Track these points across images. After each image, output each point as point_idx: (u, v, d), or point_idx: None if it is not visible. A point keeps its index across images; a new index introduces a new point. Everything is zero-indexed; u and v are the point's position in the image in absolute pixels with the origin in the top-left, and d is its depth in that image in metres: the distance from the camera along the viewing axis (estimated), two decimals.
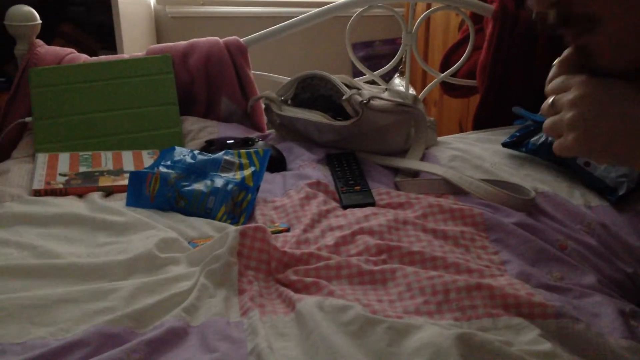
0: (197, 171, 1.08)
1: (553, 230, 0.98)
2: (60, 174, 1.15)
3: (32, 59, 1.36)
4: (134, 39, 1.94)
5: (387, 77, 2.15)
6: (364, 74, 1.60)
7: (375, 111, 1.19)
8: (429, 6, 1.66)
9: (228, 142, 1.25)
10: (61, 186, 1.11)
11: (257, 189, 1.07)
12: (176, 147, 1.16)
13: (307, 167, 1.18)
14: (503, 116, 1.50)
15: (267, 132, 1.43)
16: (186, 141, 1.34)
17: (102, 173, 1.17)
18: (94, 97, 1.31)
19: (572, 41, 0.62)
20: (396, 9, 1.57)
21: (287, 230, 0.98)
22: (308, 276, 0.84)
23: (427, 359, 0.64)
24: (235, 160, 1.11)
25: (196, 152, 1.14)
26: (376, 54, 2.49)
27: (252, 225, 0.88)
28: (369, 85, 1.38)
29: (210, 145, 1.26)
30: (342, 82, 1.26)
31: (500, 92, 1.54)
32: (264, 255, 0.87)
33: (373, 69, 1.61)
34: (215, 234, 0.96)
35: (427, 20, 2.23)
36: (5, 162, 1.23)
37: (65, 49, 1.44)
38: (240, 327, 0.74)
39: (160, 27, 2.28)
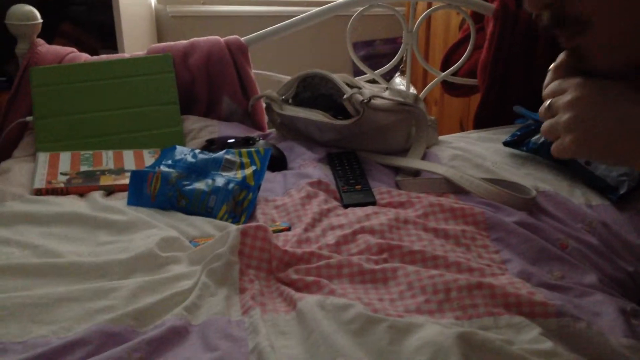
0: (198, 170, 1.08)
1: (554, 229, 0.98)
2: (61, 173, 1.15)
3: (33, 58, 1.36)
4: (135, 38, 1.94)
5: (388, 76, 2.15)
6: (364, 73, 1.60)
7: (376, 110, 1.19)
8: (429, 5, 1.66)
9: (229, 141, 1.25)
10: (62, 185, 1.11)
11: (258, 188, 1.07)
12: (177, 146, 1.16)
13: (308, 166, 1.18)
14: (504, 115, 1.50)
15: (268, 131, 1.44)
16: (187, 140, 1.34)
17: (103, 172, 1.17)
18: (94, 96, 1.31)
19: (565, 42, 0.62)
20: (397, 8, 1.57)
21: (288, 229, 0.98)
22: (309, 275, 0.84)
23: (428, 358, 0.64)
24: (236, 159, 1.11)
25: (197, 151, 1.14)
26: (377, 53, 2.49)
27: (253, 224, 0.88)
28: (369, 84, 1.38)
29: (211, 145, 1.26)
30: (343, 81, 1.26)
31: (501, 91, 1.54)
32: (265, 254, 0.87)
33: (374, 68, 1.61)
34: (217, 233, 0.96)
35: (428, 20, 2.23)
36: (6, 162, 1.23)
37: (66, 48, 1.44)
38: (242, 326, 0.74)
39: (161, 26, 2.28)
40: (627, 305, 0.82)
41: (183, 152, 1.13)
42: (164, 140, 1.29)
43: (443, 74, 1.61)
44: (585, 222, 1.02)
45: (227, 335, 0.72)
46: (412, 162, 1.19)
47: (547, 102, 0.62)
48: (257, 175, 1.08)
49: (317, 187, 1.09)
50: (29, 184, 1.12)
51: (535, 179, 1.15)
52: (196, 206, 1.04)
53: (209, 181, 1.06)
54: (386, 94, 1.25)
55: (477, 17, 1.61)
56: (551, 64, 0.65)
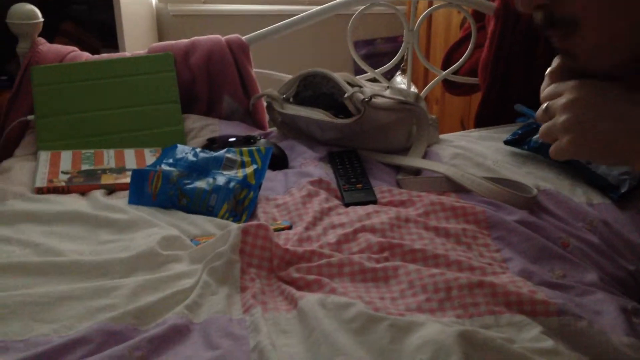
0: (199, 169, 1.08)
1: (555, 228, 0.98)
2: (62, 172, 1.15)
3: (34, 57, 1.36)
4: (136, 37, 1.94)
5: (389, 75, 2.15)
6: (365, 72, 1.60)
7: (377, 109, 1.19)
8: (430, 4, 1.66)
9: (230, 140, 1.25)
10: (63, 184, 1.11)
11: (259, 187, 1.07)
12: (178, 145, 1.16)
13: (309, 165, 1.18)
14: (505, 114, 1.50)
15: (269, 130, 1.44)
16: (188, 139, 1.34)
17: (104, 171, 1.17)
18: (96, 95, 1.31)
19: (558, 43, 0.63)
20: (398, 7, 1.57)
21: (289, 228, 0.99)
22: (310, 274, 0.84)
23: (429, 357, 0.64)
24: (237, 158, 1.11)
25: (198, 150, 1.14)
26: (378, 52, 2.49)
27: (254, 222, 0.89)
28: (370, 83, 1.38)
29: (212, 143, 1.26)
30: (344, 80, 1.26)
31: (502, 90, 1.54)
32: (266, 253, 0.87)
33: (375, 66, 1.61)
34: (218, 231, 0.96)
35: (429, 18, 2.23)
36: (7, 160, 1.23)
37: (67, 47, 1.44)
38: (243, 324, 0.74)
39: (162, 25, 2.28)
40: (628, 303, 0.82)
41: (184, 151, 1.13)
42: (165, 139, 1.29)
43: (444, 72, 1.61)
44: (587, 220, 1.02)
45: (228, 334, 0.72)
46: (413, 160, 1.19)
47: (544, 105, 0.63)
48: (258, 174, 1.08)
49: (318, 186, 1.09)
50: (30, 182, 1.12)
51: (536, 178, 1.15)
52: (197, 205, 1.04)
53: (210, 180, 1.06)
54: (387, 92, 1.25)
55: (478, 16, 1.61)
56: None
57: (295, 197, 1.06)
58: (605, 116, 0.57)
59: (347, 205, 1.06)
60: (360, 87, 1.25)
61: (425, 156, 1.23)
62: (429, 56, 2.29)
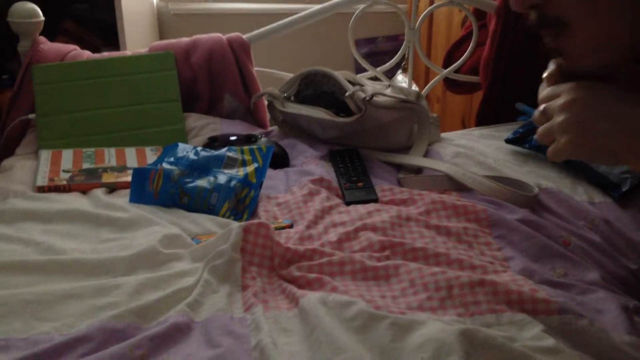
0: (200, 168, 1.08)
1: (556, 227, 0.98)
2: (63, 171, 1.15)
3: (35, 56, 1.36)
4: (137, 36, 1.94)
5: (390, 74, 2.15)
6: (366, 71, 1.60)
7: (378, 108, 1.19)
8: (432, 2, 1.66)
9: (231, 138, 1.25)
10: (65, 182, 1.11)
11: (260, 186, 1.07)
12: (179, 143, 1.16)
13: (310, 164, 1.18)
14: (506, 112, 1.50)
15: (270, 128, 1.43)
16: (189, 138, 1.34)
17: (105, 169, 1.17)
18: (96, 93, 1.32)
19: (551, 42, 0.63)
20: (399, 5, 1.56)
21: (290, 226, 0.99)
22: (311, 272, 0.84)
23: (430, 355, 0.64)
24: (238, 156, 1.11)
25: (199, 148, 1.14)
26: (379, 51, 2.49)
27: (255, 221, 0.89)
28: (371, 81, 1.38)
29: (213, 142, 1.26)
30: (345, 79, 1.26)
31: (503, 89, 1.53)
32: (267, 252, 0.87)
33: (376, 65, 1.61)
34: (219, 230, 0.96)
35: (430, 17, 2.22)
36: (8, 159, 1.24)
37: (68, 45, 1.44)
38: (244, 323, 0.74)
39: (163, 24, 2.28)
40: (630, 302, 0.82)
41: (185, 150, 1.13)
42: (166, 138, 1.29)
43: (445, 71, 1.61)
44: (588, 219, 1.02)
45: (230, 332, 0.72)
46: (414, 159, 1.19)
47: (542, 107, 0.63)
48: (259, 173, 1.08)
49: (319, 185, 1.09)
50: (31, 181, 1.12)
51: (537, 176, 1.15)
52: (198, 203, 1.04)
53: (211, 178, 1.06)
54: (388, 91, 1.25)
55: (480, 15, 1.61)
56: None
57: (297, 195, 1.06)
58: (604, 116, 0.57)
59: (348, 203, 1.06)
60: (362, 85, 1.25)
61: (426, 155, 1.23)
62: (430, 55, 2.29)
